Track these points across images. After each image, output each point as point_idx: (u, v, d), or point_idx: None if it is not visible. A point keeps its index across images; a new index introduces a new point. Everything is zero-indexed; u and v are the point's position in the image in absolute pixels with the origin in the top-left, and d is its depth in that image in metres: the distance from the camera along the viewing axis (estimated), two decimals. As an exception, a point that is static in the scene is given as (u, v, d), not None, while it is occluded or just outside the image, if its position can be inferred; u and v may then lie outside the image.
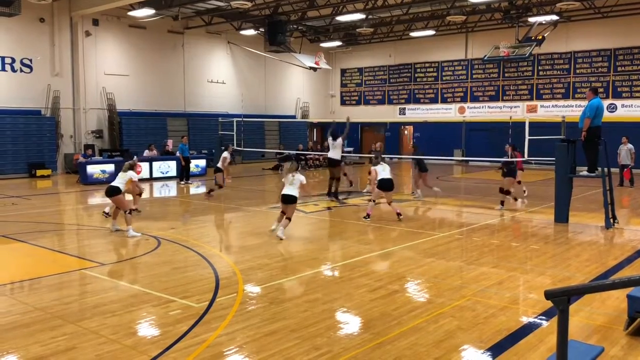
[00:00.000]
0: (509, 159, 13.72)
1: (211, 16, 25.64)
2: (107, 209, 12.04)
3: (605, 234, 10.71)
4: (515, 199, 14.31)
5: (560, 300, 3.00)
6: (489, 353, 5.00)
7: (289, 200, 10.04)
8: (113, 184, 10.90)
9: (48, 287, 6.99)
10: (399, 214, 11.79)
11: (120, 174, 11.00)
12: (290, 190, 10.05)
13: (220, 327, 5.54)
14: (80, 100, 23.17)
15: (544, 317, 5.87)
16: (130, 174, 10.91)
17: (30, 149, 21.51)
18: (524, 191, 15.63)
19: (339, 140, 14.50)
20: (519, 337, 5.34)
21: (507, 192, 13.56)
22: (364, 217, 11.89)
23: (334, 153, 14.43)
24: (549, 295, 3.05)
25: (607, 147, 11.34)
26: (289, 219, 10.09)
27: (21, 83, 21.54)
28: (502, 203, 13.47)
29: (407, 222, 11.71)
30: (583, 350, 4.08)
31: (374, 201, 12.10)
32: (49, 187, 18.94)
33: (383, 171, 11.83)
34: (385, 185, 11.77)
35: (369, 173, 12.48)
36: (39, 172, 21.19)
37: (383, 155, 13.52)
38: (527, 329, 5.58)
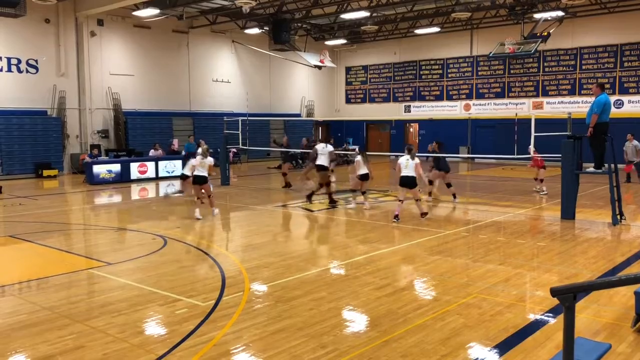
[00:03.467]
0: (438, 155, 14.44)
1: (216, 15, 25.66)
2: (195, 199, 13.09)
3: (612, 231, 10.66)
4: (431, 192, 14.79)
5: (566, 298, 3.00)
6: (495, 350, 4.99)
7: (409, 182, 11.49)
8: (197, 173, 11.73)
9: (55, 287, 7.03)
10: (361, 203, 13.41)
11: (200, 162, 11.73)
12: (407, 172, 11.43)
13: (226, 326, 5.55)
14: (86, 100, 23.26)
15: (551, 315, 5.85)
16: (210, 159, 11.79)
17: (36, 150, 21.63)
18: (539, 189, 15.58)
19: (330, 147, 14.44)
20: (525, 335, 5.33)
21: (431, 182, 14.51)
22: (350, 204, 13.82)
23: (323, 159, 14.28)
24: (554, 292, 3.05)
25: (614, 143, 11.29)
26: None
27: (27, 84, 21.64)
28: (429, 194, 14.57)
29: (413, 219, 11.69)
30: (590, 347, 4.06)
31: (363, 193, 13.51)
32: (55, 187, 19.03)
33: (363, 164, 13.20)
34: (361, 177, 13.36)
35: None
36: (46, 173, 21.31)
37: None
38: (534, 326, 5.56)
